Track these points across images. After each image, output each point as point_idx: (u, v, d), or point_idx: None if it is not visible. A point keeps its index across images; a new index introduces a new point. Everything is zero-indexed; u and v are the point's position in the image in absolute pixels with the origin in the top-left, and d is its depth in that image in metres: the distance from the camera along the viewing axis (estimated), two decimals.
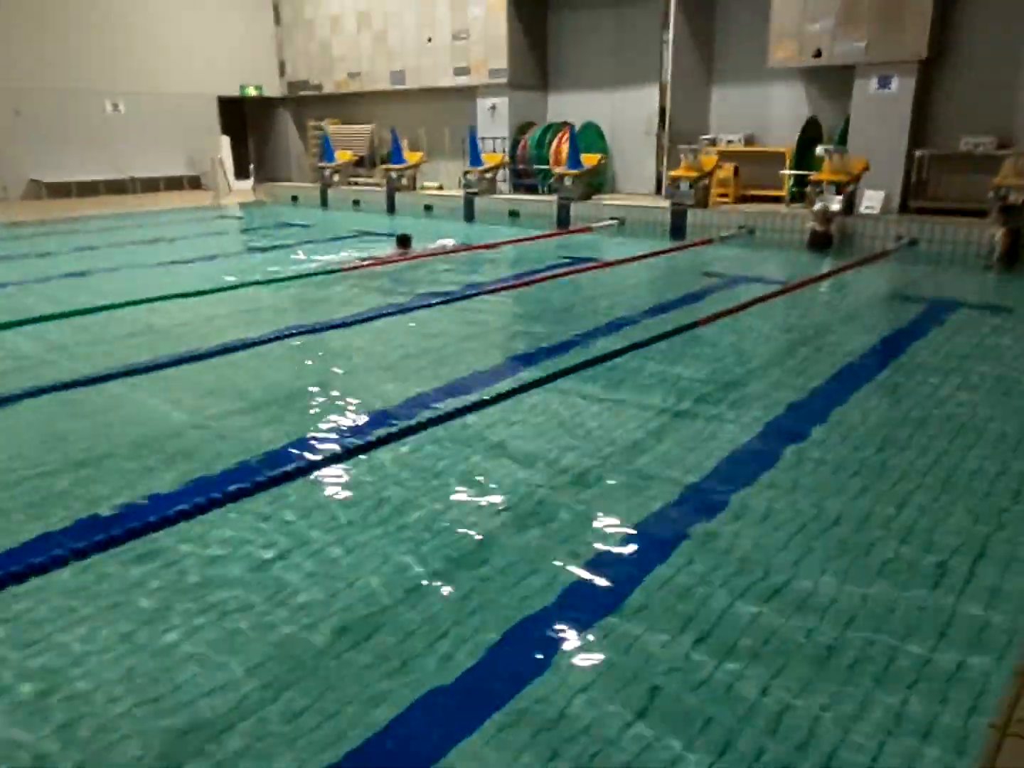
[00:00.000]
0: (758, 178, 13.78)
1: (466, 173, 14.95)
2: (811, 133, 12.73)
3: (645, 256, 9.97)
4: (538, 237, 11.75)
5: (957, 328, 6.49)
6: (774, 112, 14.13)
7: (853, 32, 11.61)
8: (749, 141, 14.21)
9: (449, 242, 11.22)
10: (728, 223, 11.65)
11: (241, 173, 21.58)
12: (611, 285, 8.72)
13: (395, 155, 16.29)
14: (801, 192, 11.96)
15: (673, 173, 12.22)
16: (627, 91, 15.99)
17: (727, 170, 13.56)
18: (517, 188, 16.37)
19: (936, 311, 7.16)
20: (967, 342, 6.08)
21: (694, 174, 11.94)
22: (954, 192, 11.54)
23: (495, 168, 15.01)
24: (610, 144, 16.36)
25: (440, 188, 16.95)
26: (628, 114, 16.04)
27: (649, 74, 15.18)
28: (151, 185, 19.42)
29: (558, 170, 13.53)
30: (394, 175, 15.99)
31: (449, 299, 7.68)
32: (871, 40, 11.45)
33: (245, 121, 22.71)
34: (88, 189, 18.50)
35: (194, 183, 19.16)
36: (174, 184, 19.60)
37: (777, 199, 12.79)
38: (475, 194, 14.77)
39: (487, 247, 10.98)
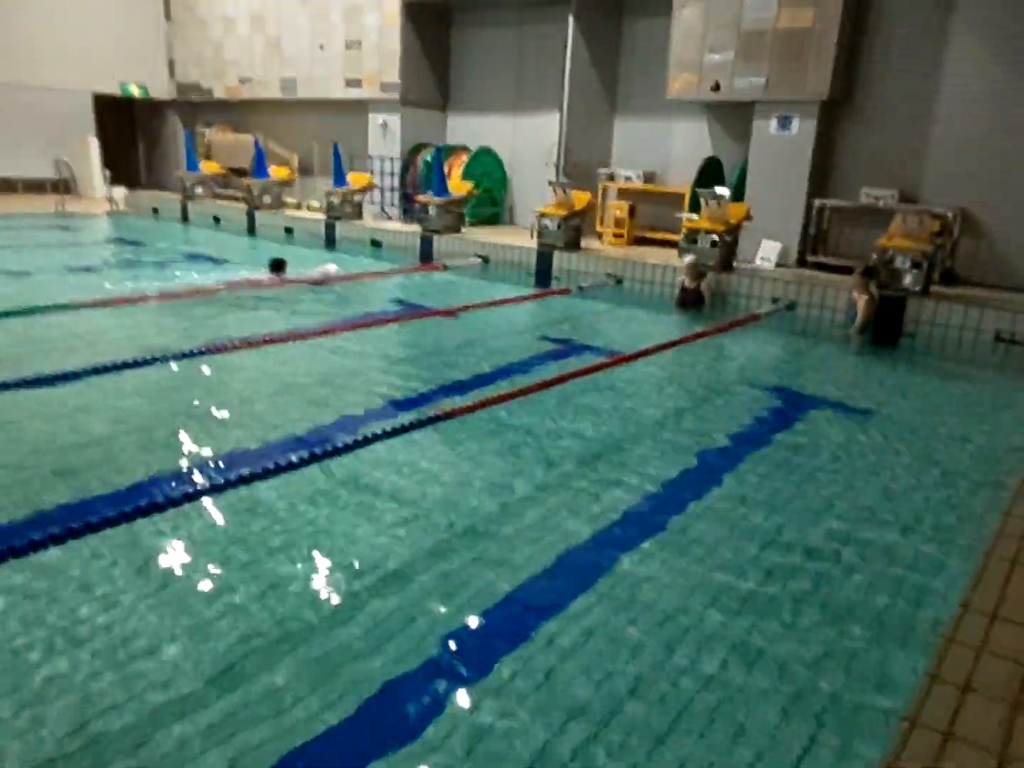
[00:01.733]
0: (657, 219, 12.39)
1: (328, 194, 13.25)
2: (710, 174, 11.34)
3: (480, 305, 8.34)
4: (377, 274, 10.06)
5: (793, 447, 4.86)
6: (676, 149, 12.80)
7: (754, 66, 10.28)
8: (649, 179, 12.82)
9: (332, 268, 9.61)
10: (597, 269, 10.09)
11: (119, 179, 19.64)
12: (417, 345, 7.12)
13: (257, 168, 14.54)
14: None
15: (541, 209, 10.65)
16: (528, 117, 14.56)
17: (622, 209, 12.13)
18: (407, 214, 14.76)
19: (783, 411, 5.59)
20: (806, 464, 4.49)
21: (563, 212, 10.39)
22: (855, 247, 10.20)
23: (363, 190, 13.34)
24: (509, 173, 14.92)
25: (303, 208, 15.23)
26: (529, 141, 14.61)
27: (551, 100, 13.70)
28: (7, 186, 17.46)
29: (422, 198, 11.90)
30: (255, 191, 14.21)
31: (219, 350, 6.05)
32: (771, 76, 10.12)
33: (134, 123, 20.87)
34: None
35: (62, 187, 17.18)
36: (34, 187, 17.65)
37: (675, 244, 11.29)
38: (336, 218, 13.08)
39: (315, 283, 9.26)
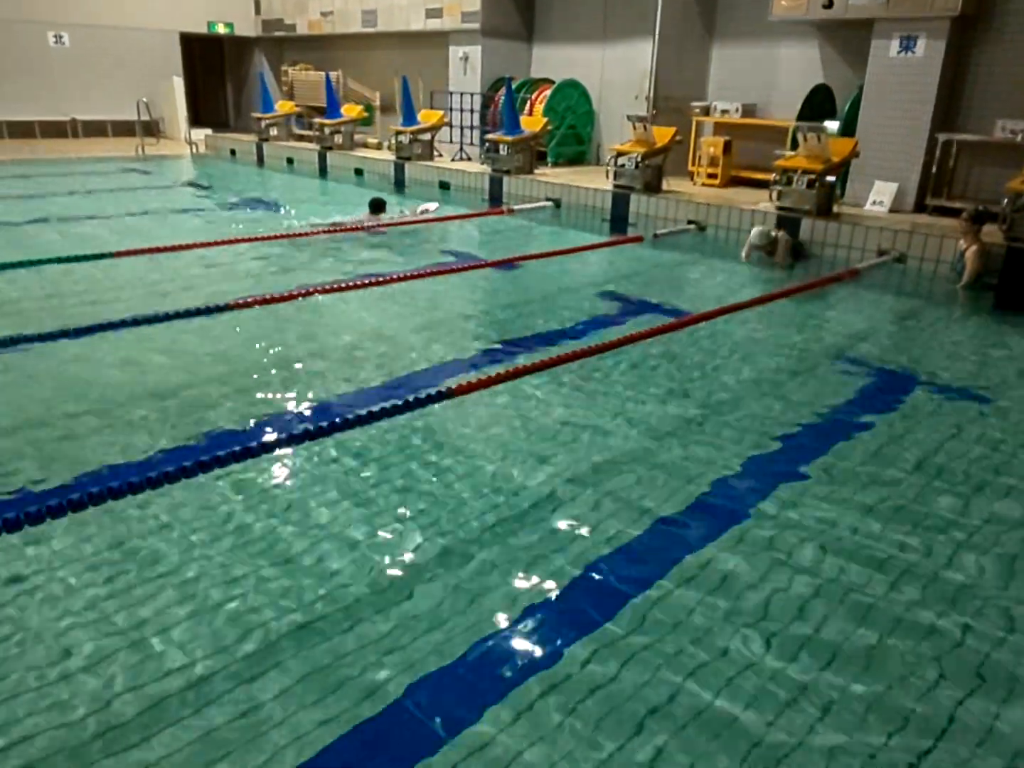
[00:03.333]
0: (757, 157, 11.09)
1: (397, 134, 12.52)
2: (819, 105, 10.01)
3: (540, 256, 7.51)
4: (436, 219, 9.31)
5: (886, 439, 3.89)
6: (781, 78, 11.39)
7: None
8: (749, 112, 11.47)
9: (432, 206, 9.44)
10: (678, 214, 9.03)
11: (209, 121, 19.54)
12: (471, 300, 6.47)
13: (329, 107, 13.92)
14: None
15: (617, 147, 9.60)
16: (618, 46, 13.32)
17: (717, 146, 10.93)
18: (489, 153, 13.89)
19: (876, 391, 4.59)
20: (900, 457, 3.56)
21: (641, 150, 9.31)
22: (985, 190, 8.76)
23: (433, 129, 12.53)
24: (596, 107, 13.78)
25: (383, 148, 14.56)
26: (619, 73, 13.39)
27: (642, 27, 12.42)
28: (97, 129, 17.57)
29: (492, 136, 11.01)
30: (326, 131, 13.63)
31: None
32: None
33: (224, 65, 20.67)
34: (21, 131, 16.76)
35: (149, 129, 17.15)
36: (123, 129, 17.68)
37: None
38: (406, 159, 12.36)
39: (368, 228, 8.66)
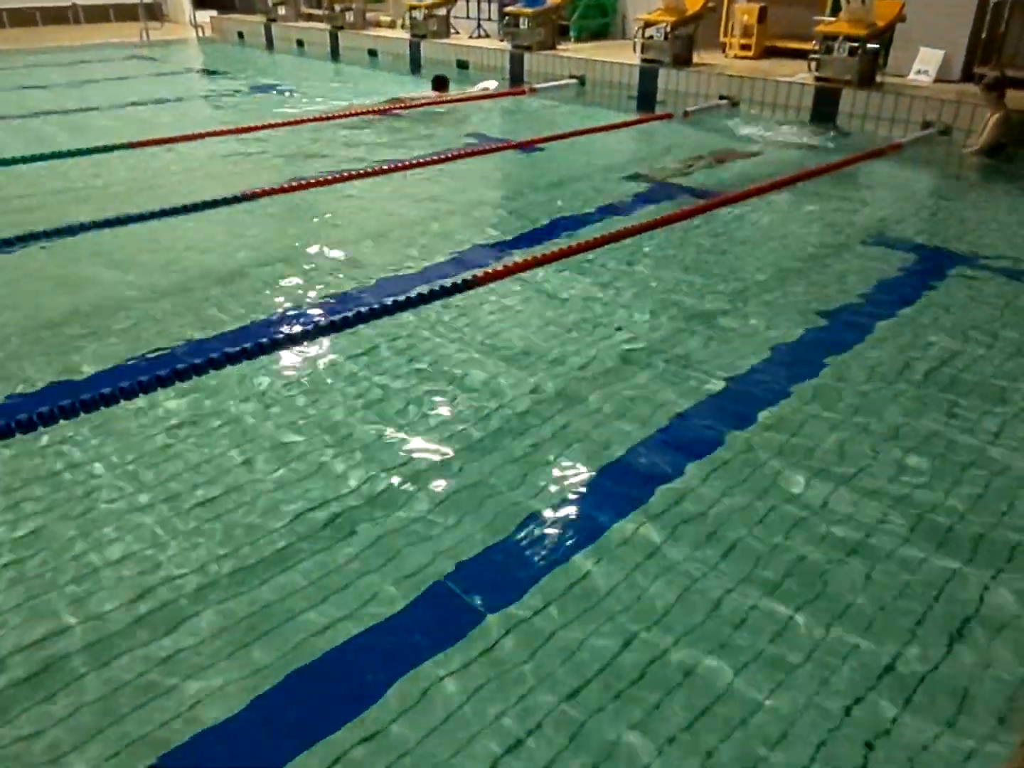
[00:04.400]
0: (794, 25, 10.39)
1: (411, 8, 11.87)
2: None
3: (561, 136, 7.19)
4: (455, 100, 8.92)
5: (923, 323, 3.77)
6: None
7: None
8: None
9: (492, 84, 9.55)
10: (710, 90, 8.59)
11: (213, 2, 18.62)
12: (489, 184, 6.29)
13: None
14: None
15: (644, 16, 9.05)
16: None
17: (751, 13, 10.26)
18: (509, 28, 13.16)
19: (918, 271, 4.42)
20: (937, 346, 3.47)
21: (671, 18, 8.77)
22: None
23: (447, 3, 11.87)
24: None
25: (397, 27, 13.85)
26: None
27: None
28: (99, 14, 16.87)
29: (511, 9, 10.41)
30: (336, 8, 12.96)
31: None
32: None
33: None
34: (22, 18, 16.12)
35: (153, 13, 16.43)
36: (125, 14, 16.96)
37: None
38: (422, 36, 11.78)
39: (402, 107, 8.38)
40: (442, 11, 11.89)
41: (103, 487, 2.61)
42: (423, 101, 8.57)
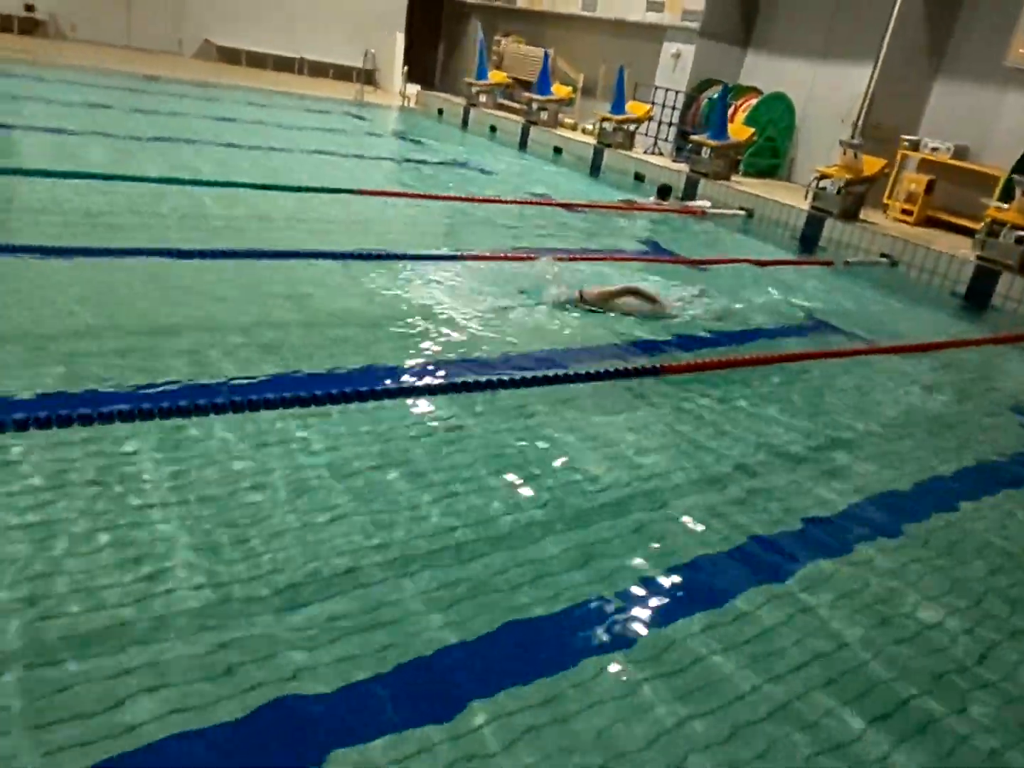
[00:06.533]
0: (958, 201, 10.94)
1: (603, 120, 13.03)
2: None
3: (729, 261, 7.89)
4: (628, 208, 9.81)
5: None
6: (1002, 124, 11.14)
7: None
8: (960, 154, 11.29)
9: (706, 204, 10.44)
10: (871, 246, 9.16)
11: (416, 77, 20.65)
12: None
13: (541, 83, 14.56)
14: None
15: (822, 169, 9.77)
16: (834, 65, 13.29)
17: (919, 183, 10.87)
18: (679, 153, 14.23)
19: None
20: None
21: (847, 176, 9.46)
22: None
23: (638, 120, 12.96)
24: (799, 123, 13.83)
25: (578, 130, 15.11)
26: (829, 92, 13.37)
27: (864, 51, 12.36)
28: (319, 70, 18.97)
29: (696, 138, 11.35)
30: (535, 106, 14.30)
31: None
32: None
33: (440, 25, 21.71)
34: (257, 60, 18.33)
35: (365, 77, 18.42)
36: (343, 74, 19.03)
37: (972, 232, 9.94)
38: (607, 145, 12.87)
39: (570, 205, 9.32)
40: (632, 127, 12.99)
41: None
42: (649, 206, 9.59)
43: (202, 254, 5.17)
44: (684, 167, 11.84)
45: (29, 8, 16.15)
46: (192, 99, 13.01)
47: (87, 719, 1.88)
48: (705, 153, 11.20)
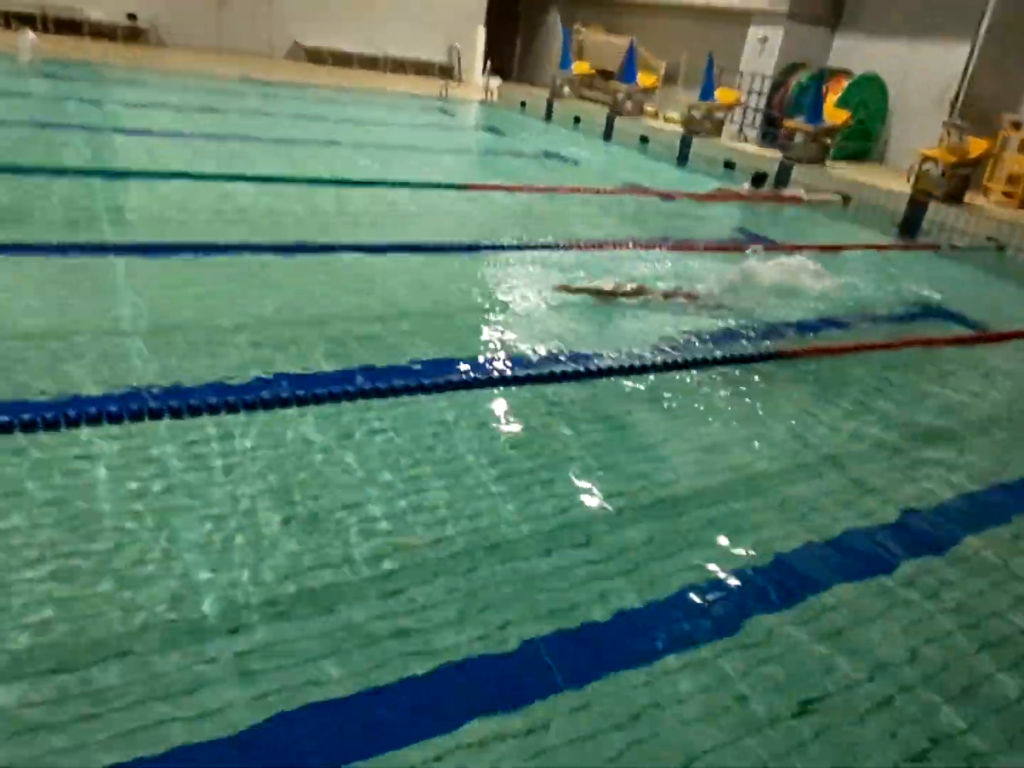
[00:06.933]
0: None
1: (691, 108, 12.99)
2: None
3: (828, 248, 7.84)
4: (722, 196, 9.83)
5: None
6: None
7: None
8: None
9: (801, 191, 10.33)
10: (977, 230, 8.98)
11: (497, 71, 20.86)
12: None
13: (627, 71, 14.58)
14: None
15: (926, 152, 9.59)
16: (928, 44, 12.97)
17: (1021, 163, 10.57)
18: (765, 138, 14.10)
19: None
20: None
21: (952, 158, 9.27)
22: None
23: (728, 107, 12.89)
24: (892, 105, 13.54)
25: (660, 118, 15.09)
26: (924, 73, 13.06)
27: (961, 29, 12.05)
28: (401, 66, 19.35)
29: (790, 123, 11.25)
30: (620, 95, 14.34)
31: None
32: None
33: (517, 17, 21.86)
34: (343, 60, 18.81)
35: (445, 72, 18.74)
36: (423, 69, 19.36)
37: None
38: (695, 133, 12.84)
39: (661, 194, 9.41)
40: (720, 113, 12.93)
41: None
42: (744, 193, 9.67)
43: (381, 249, 5.64)
44: (774, 153, 11.73)
45: (131, 17, 16.92)
46: (306, 101, 13.65)
47: None
48: (799, 138, 11.09)
